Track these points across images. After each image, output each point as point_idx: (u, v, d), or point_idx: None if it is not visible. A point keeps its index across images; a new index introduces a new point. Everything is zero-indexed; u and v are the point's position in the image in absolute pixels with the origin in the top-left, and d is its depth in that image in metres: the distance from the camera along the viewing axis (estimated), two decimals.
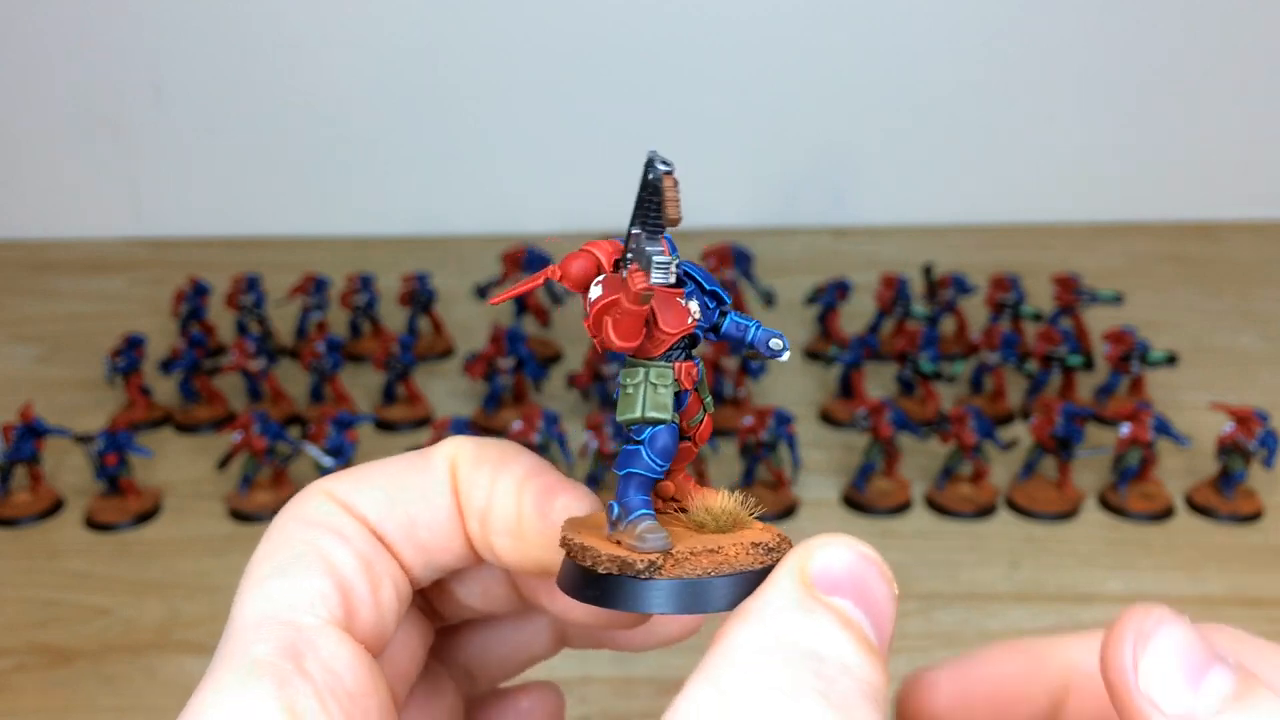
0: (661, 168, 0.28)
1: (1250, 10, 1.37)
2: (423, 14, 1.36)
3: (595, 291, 0.29)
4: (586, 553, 0.29)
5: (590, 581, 0.29)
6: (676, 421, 0.30)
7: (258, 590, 0.30)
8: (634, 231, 0.29)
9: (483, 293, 1.19)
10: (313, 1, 1.35)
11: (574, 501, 0.32)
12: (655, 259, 0.29)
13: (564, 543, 0.30)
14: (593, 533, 0.30)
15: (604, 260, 0.30)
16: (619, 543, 0.29)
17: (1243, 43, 1.39)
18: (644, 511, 0.30)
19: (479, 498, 0.32)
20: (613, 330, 0.29)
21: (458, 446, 0.33)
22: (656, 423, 0.30)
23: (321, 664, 0.28)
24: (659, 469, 0.30)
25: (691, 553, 0.29)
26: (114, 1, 1.34)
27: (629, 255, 0.29)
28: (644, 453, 0.30)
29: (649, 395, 0.29)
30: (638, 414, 0.29)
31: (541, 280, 0.30)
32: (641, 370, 0.30)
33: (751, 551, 0.29)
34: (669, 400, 0.30)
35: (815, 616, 0.26)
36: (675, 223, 0.28)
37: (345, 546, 0.31)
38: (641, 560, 0.28)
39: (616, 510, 0.30)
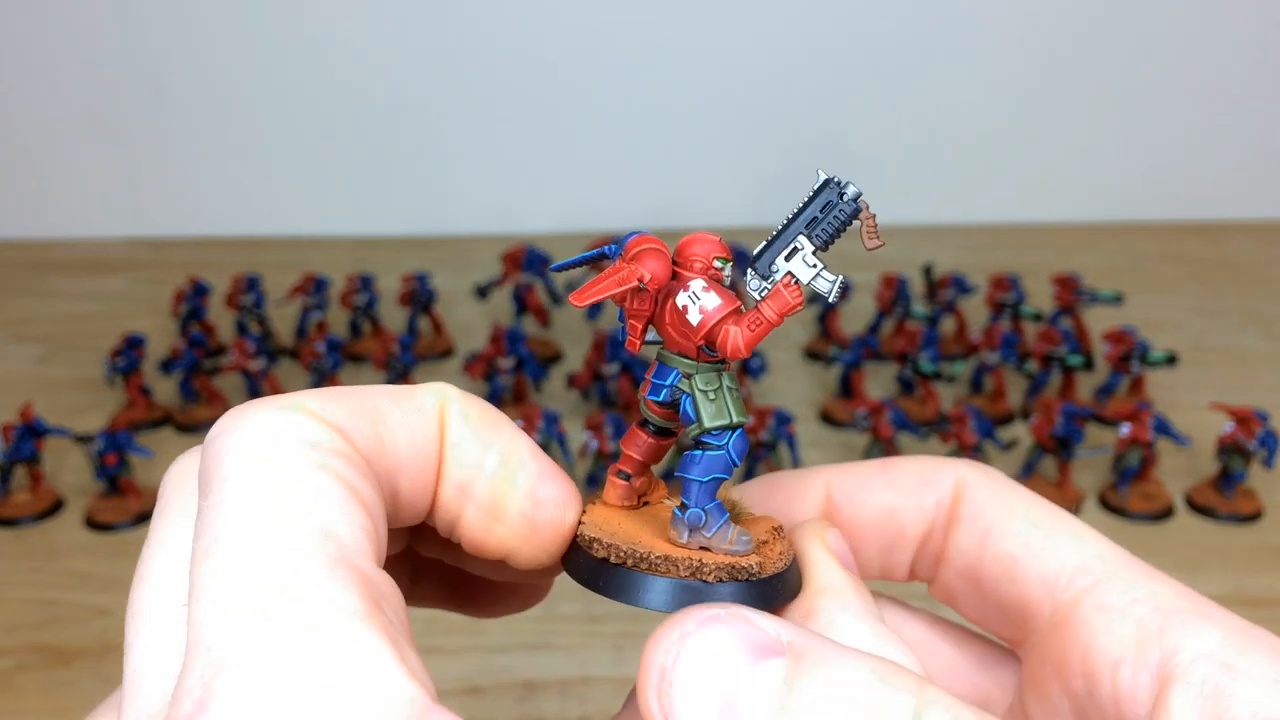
0: (852, 190, 0.29)
1: (1250, 10, 1.37)
2: (423, 15, 1.36)
3: (712, 299, 0.29)
4: (670, 563, 0.28)
5: (654, 586, 0.28)
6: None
7: (314, 524, 0.25)
8: (796, 246, 0.29)
9: (483, 293, 1.19)
10: (313, 2, 1.35)
11: (563, 493, 0.31)
12: (824, 274, 0.29)
13: (619, 553, 0.29)
14: (625, 533, 0.30)
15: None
16: (705, 548, 0.29)
17: (1243, 43, 1.39)
18: (728, 515, 0.30)
19: (467, 463, 0.30)
20: (743, 340, 0.29)
21: (445, 396, 0.30)
22: (740, 426, 0.30)
23: (392, 609, 0.25)
24: (733, 470, 0.30)
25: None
26: (114, 1, 1.34)
27: (768, 267, 0.29)
28: (728, 456, 0.30)
29: (732, 400, 0.30)
30: (729, 419, 0.29)
31: (634, 284, 0.29)
32: (716, 375, 0.30)
33: (781, 544, 0.30)
34: (742, 402, 0.30)
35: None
36: (875, 248, 0.29)
37: (364, 478, 0.27)
38: (754, 564, 0.29)
39: (702, 517, 0.29)
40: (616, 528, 0.31)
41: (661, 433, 0.32)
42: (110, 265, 1.38)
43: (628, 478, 0.33)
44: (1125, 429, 0.96)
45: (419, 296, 1.18)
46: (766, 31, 1.37)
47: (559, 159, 1.42)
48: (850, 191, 0.29)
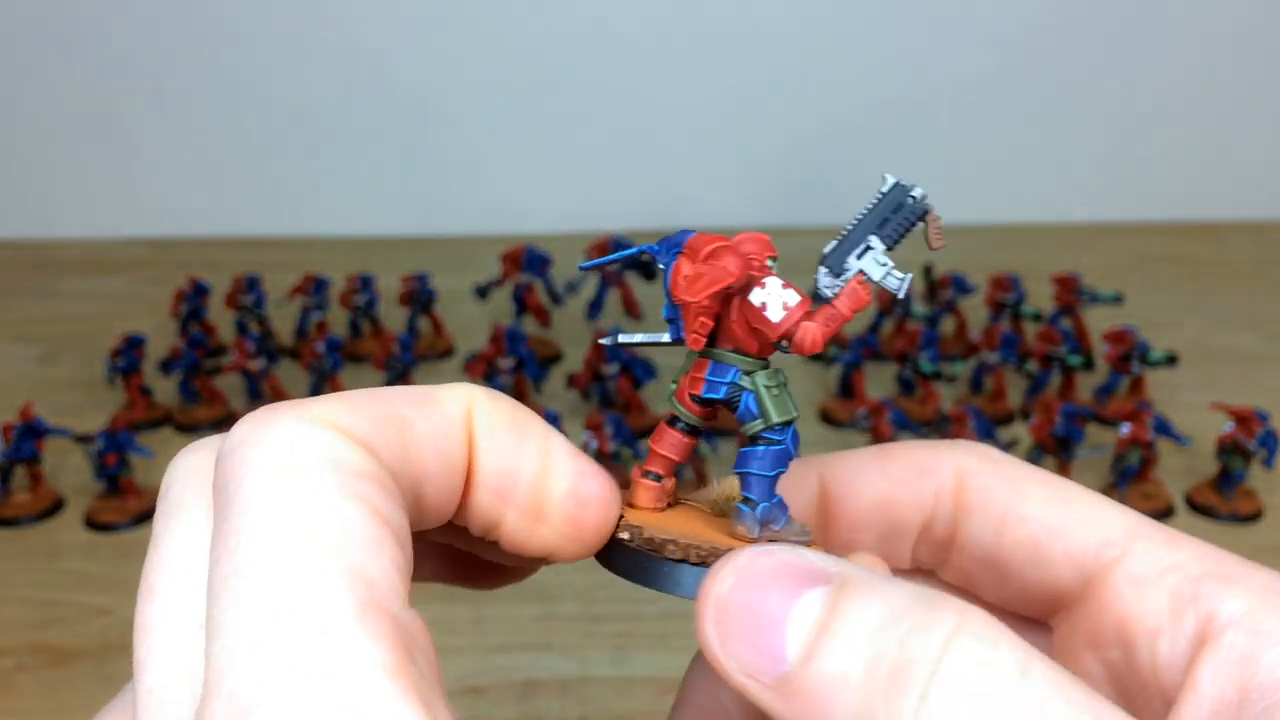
0: (919, 191, 0.30)
1: (1250, 10, 1.37)
2: (422, 14, 1.36)
3: (792, 296, 0.29)
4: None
5: (665, 575, 0.29)
6: None
7: (344, 563, 0.23)
8: (869, 245, 0.30)
9: (483, 293, 1.19)
10: (313, 2, 1.35)
11: (606, 490, 0.30)
12: (893, 272, 0.30)
13: (698, 552, 0.29)
14: (684, 531, 0.30)
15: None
16: (773, 540, 0.30)
17: (1243, 43, 1.39)
18: (787, 508, 0.31)
19: (502, 468, 0.29)
20: (820, 335, 0.30)
21: (472, 396, 0.29)
22: (796, 420, 0.31)
23: (424, 655, 0.24)
24: (790, 462, 0.31)
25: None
26: (114, 1, 1.34)
27: (840, 265, 0.30)
28: (788, 449, 0.31)
29: (790, 396, 0.31)
30: (794, 413, 0.31)
31: (729, 283, 0.30)
32: (774, 373, 0.31)
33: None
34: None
35: None
36: (939, 248, 0.31)
37: (393, 502, 0.26)
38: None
39: (771, 511, 0.30)
40: (671, 525, 0.31)
41: (692, 431, 0.32)
42: (110, 265, 1.38)
43: (659, 479, 0.32)
44: (1125, 429, 0.96)
45: (419, 296, 1.18)
46: (767, 31, 1.37)
47: (559, 159, 1.42)
48: (918, 193, 0.30)
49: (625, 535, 0.30)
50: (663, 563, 0.29)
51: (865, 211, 0.31)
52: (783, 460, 0.31)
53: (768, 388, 0.30)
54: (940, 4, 1.36)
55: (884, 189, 0.31)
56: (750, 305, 0.30)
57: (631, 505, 0.32)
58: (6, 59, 1.37)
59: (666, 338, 0.31)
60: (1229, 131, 1.42)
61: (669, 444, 0.32)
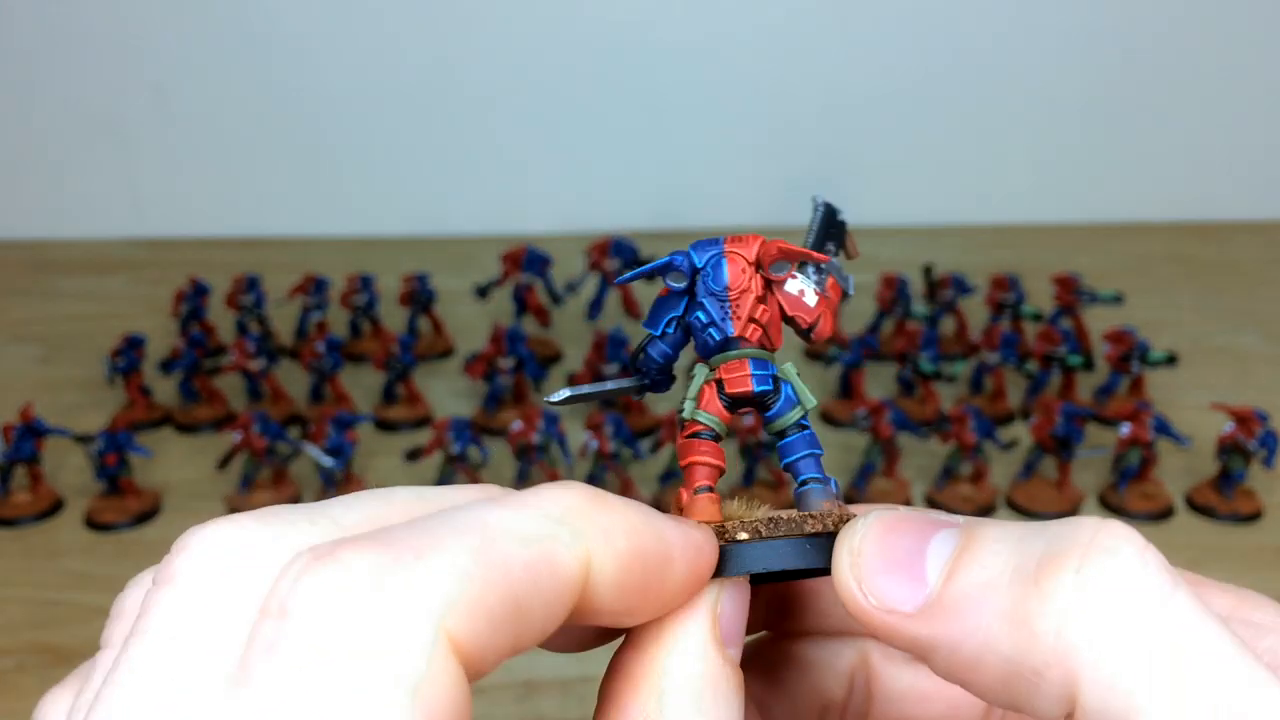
0: (842, 216, 0.35)
1: (1250, 10, 1.37)
2: (423, 14, 1.36)
3: (809, 284, 0.32)
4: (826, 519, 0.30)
5: (811, 550, 0.29)
6: None
7: None
8: (826, 253, 0.34)
9: (483, 293, 1.19)
10: (313, 1, 1.35)
11: (707, 541, 0.28)
12: (848, 276, 0.34)
13: (825, 521, 0.29)
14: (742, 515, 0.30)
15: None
16: (834, 512, 0.30)
17: (1243, 43, 1.39)
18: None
19: (626, 607, 0.26)
20: (830, 323, 0.32)
21: (589, 554, 0.24)
22: None
23: None
24: None
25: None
26: (114, 2, 1.34)
27: (820, 267, 0.33)
28: (815, 432, 0.32)
29: None
30: (815, 400, 0.32)
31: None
32: (786, 364, 0.32)
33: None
34: None
35: None
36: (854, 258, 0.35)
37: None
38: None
39: (835, 483, 0.31)
40: (754, 518, 0.31)
41: (716, 438, 0.32)
42: (110, 265, 1.38)
43: (710, 489, 0.31)
44: (1125, 429, 0.96)
45: (419, 296, 1.18)
46: (768, 31, 1.37)
47: (560, 159, 1.42)
48: (842, 217, 0.35)
49: (744, 535, 0.29)
50: (806, 541, 0.29)
51: (814, 230, 0.34)
52: (817, 443, 0.32)
53: (792, 380, 0.31)
54: (941, 5, 1.36)
55: (818, 210, 0.35)
56: (789, 294, 0.31)
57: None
58: (7, 59, 1.37)
59: (617, 385, 0.32)
60: (1230, 131, 1.42)
61: (708, 452, 0.31)
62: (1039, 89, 1.40)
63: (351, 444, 0.96)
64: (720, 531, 0.29)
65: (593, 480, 0.96)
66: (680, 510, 0.31)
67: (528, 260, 1.18)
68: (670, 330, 0.32)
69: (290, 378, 1.12)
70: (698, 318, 0.31)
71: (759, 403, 0.31)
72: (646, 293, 1.22)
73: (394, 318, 1.21)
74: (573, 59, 1.38)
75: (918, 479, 1.00)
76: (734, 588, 0.29)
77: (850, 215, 0.35)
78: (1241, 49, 1.39)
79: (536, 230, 1.35)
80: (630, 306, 1.21)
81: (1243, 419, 0.94)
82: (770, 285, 0.31)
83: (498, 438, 1.03)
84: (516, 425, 0.96)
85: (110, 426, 0.99)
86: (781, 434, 0.31)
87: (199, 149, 1.42)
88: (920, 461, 1.01)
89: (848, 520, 0.29)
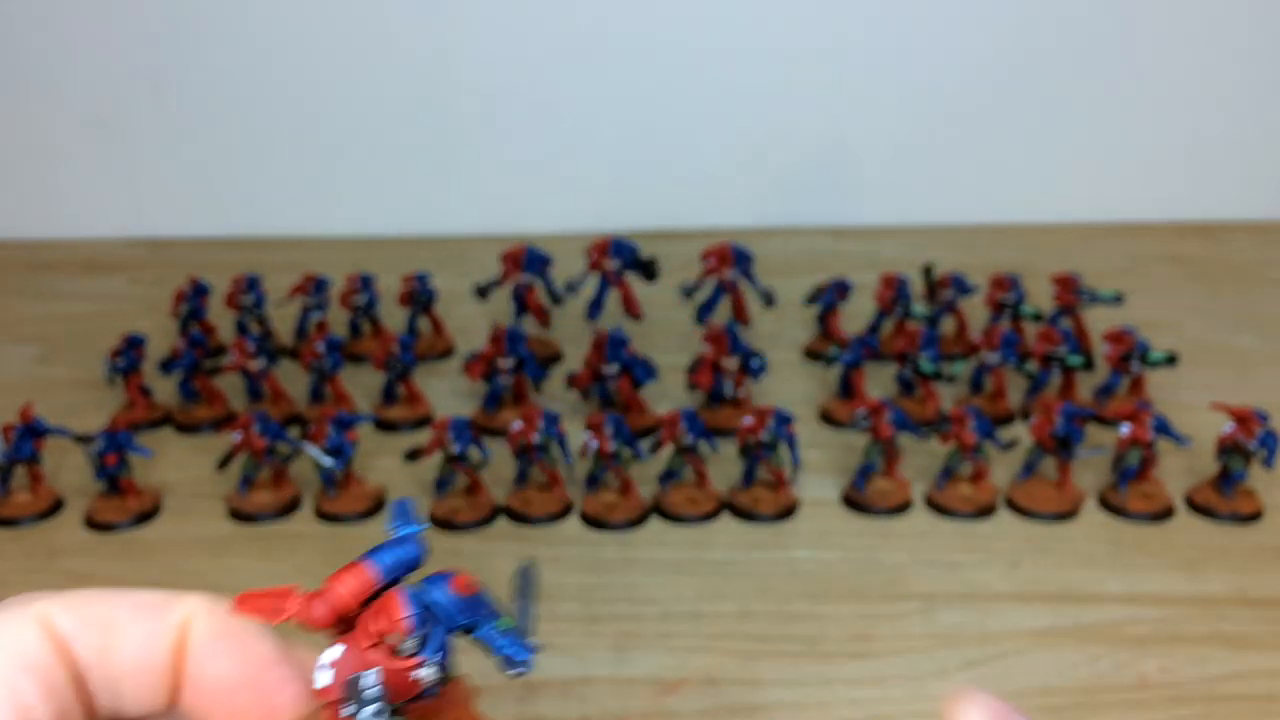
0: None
1: (1249, 10, 1.37)
2: (423, 14, 1.36)
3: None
4: None
5: None
6: None
7: None
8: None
9: (483, 293, 1.19)
10: (313, 2, 1.35)
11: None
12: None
13: None
14: None
15: None
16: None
17: (1243, 42, 1.39)
18: None
19: (214, 673, 0.31)
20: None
21: (195, 608, 0.31)
22: None
23: None
24: None
25: None
26: (114, 1, 1.34)
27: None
28: None
29: None
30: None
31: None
32: None
33: None
34: None
35: None
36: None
37: (50, 695, 0.29)
38: None
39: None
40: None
41: None
42: (110, 265, 1.38)
43: None
44: (1125, 429, 0.96)
45: (419, 296, 1.18)
46: (768, 32, 1.37)
47: (560, 159, 1.42)
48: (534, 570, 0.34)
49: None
50: None
51: (521, 601, 0.34)
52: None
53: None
54: (939, 5, 1.36)
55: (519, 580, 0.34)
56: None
57: None
58: (6, 59, 1.37)
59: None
60: (1229, 131, 1.42)
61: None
62: (1039, 89, 1.40)
63: (351, 444, 0.96)
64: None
65: (593, 480, 0.96)
66: None
67: (528, 260, 1.18)
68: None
69: (290, 378, 1.12)
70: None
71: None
72: (647, 293, 1.22)
73: (394, 318, 1.21)
74: (573, 59, 1.38)
75: (918, 479, 1.00)
76: None
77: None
78: (1241, 49, 1.39)
79: (536, 230, 1.35)
80: (630, 306, 1.21)
81: (1243, 419, 0.94)
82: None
83: (498, 438, 1.03)
84: (516, 425, 0.96)
85: (110, 426, 0.99)
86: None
87: (199, 149, 1.42)
88: (920, 461, 1.01)
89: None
